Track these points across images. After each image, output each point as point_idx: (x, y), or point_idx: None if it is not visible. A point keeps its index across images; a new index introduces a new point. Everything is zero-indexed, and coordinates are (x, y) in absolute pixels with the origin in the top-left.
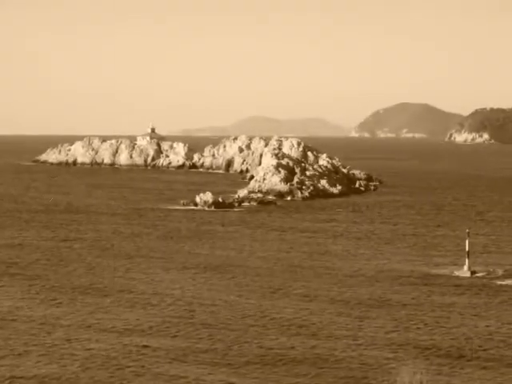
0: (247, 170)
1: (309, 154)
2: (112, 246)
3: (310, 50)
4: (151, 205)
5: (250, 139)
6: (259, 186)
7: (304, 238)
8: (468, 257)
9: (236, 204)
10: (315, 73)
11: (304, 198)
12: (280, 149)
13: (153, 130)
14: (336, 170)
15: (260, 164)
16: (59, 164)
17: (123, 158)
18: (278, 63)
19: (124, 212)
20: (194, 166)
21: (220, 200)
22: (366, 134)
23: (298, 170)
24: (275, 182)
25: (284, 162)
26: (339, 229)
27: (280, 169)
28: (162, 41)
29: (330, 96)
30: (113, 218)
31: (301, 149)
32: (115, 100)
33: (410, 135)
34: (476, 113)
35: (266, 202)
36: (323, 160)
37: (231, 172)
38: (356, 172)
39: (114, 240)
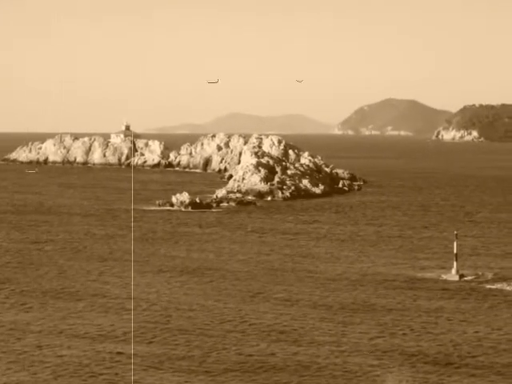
0: (226, 169)
1: (290, 152)
2: (85, 249)
3: (291, 45)
4: (125, 205)
5: (229, 137)
6: (238, 186)
7: (285, 240)
8: (456, 260)
9: (214, 204)
10: (297, 68)
11: (285, 199)
12: (260, 147)
13: (127, 128)
14: (318, 169)
15: (239, 163)
16: (30, 163)
17: (96, 157)
18: (258, 58)
19: (97, 213)
20: (170, 164)
21: (197, 200)
22: (350, 132)
23: (278, 169)
24: (255, 181)
25: (264, 160)
26: (322, 230)
27: (260, 168)
28: (137, 36)
29: (313, 92)
30: (85, 219)
31: (282, 147)
32: (88, 96)
33: (395, 133)
34: (464, 109)
35: (246, 203)
36: (305, 158)
37: (209, 171)
38: (339, 171)
39: (87, 242)
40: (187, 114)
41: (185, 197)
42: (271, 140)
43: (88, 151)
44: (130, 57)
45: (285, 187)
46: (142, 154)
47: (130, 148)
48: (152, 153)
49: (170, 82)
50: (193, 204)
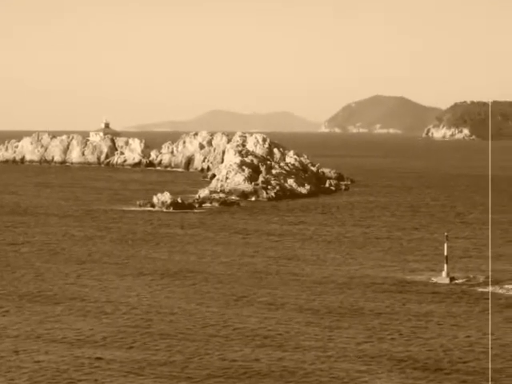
0: (208, 169)
1: (275, 150)
2: (62, 251)
3: (275, 40)
4: (105, 206)
5: (212, 135)
6: (221, 186)
7: (270, 242)
8: (447, 262)
9: (196, 205)
10: (282, 64)
11: (270, 199)
12: (244, 145)
13: (107, 126)
14: (304, 168)
15: (222, 162)
16: (5, 162)
17: (75, 156)
18: (241, 54)
19: (75, 213)
20: (151, 163)
21: (179, 200)
22: (337, 130)
23: (263, 169)
24: (238, 181)
25: (248, 159)
26: (308, 232)
27: (244, 167)
28: (116, 30)
29: (299, 89)
30: (63, 220)
31: (266, 145)
32: (67, 93)
33: (383, 131)
34: (455, 106)
35: (229, 203)
36: (290, 157)
37: (191, 170)
38: (326, 170)
39: (65, 244)
40: (168, 110)
41: (166, 197)
42: (255, 138)
43: (66, 150)
44: (108, 52)
45: (269, 187)
46: (122, 153)
47: (110, 146)
48: (132, 151)
49: (149, 77)
50: (174, 204)
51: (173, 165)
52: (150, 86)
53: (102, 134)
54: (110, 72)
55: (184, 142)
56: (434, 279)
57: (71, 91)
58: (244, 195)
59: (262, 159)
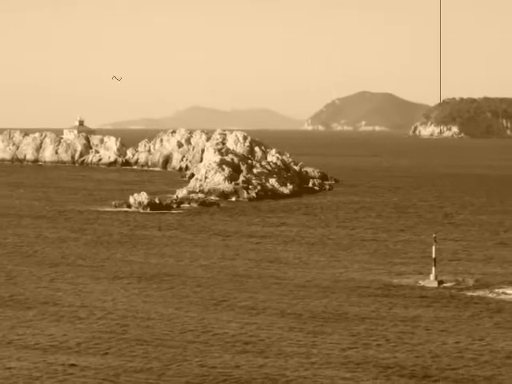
0: (187, 168)
1: (256, 149)
2: (35, 253)
3: (257, 35)
4: (79, 206)
5: (190, 133)
6: (200, 186)
7: (251, 244)
8: (435, 265)
9: (174, 205)
10: (264, 60)
11: (251, 199)
12: (224, 143)
13: (81, 123)
14: (287, 167)
15: (201, 161)
16: None
17: (48, 154)
18: (221, 49)
19: (49, 214)
20: (127, 162)
21: (156, 201)
22: (321, 127)
23: (243, 168)
24: (218, 180)
25: (228, 158)
26: (290, 233)
27: (224, 166)
28: (91, 27)
29: (281, 85)
30: (36, 221)
31: (247, 143)
32: (39, 90)
33: (369, 128)
34: (443, 103)
35: (208, 204)
36: (272, 156)
37: (169, 169)
38: (309, 169)
39: (38, 246)
40: (144, 107)
41: (143, 197)
42: (236, 136)
43: (39, 148)
44: (83, 48)
45: (250, 187)
46: (97, 152)
47: (84, 145)
48: (108, 150)
49: (124, 74)
50: (152, 205)
51: (150, 164)
52: (125, 82)
53: (76, 131)
54: (84, 69)
55: (161, 140)
56: (422, 283)
57: (44, 88)
58: (224, 195)
59: (243, 158)
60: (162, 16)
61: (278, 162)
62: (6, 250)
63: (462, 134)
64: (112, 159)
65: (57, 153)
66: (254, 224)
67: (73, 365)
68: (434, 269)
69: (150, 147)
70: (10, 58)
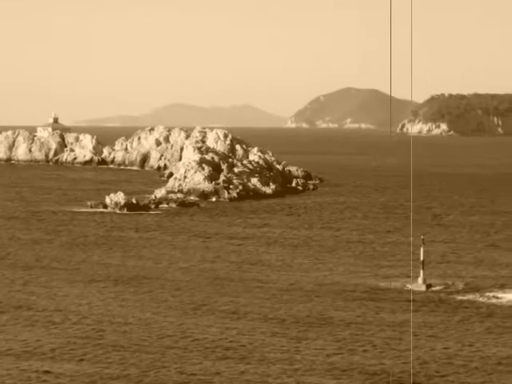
0: (165, 167)
1: (237, 147)
2: (8, 255)
3: (238, 30)
4: (54, 207)
5: (169, 130)
6: (179, 185)
7: (232, 246)
8: (423, 267)
9: (152, 206)
10: (246, 54)
11: (232, 199)
12: (204, 141)
13: (55, 120)
14: (269, 166)
15: (180, 159)
16: None
17: (21, 153)
18: (200, 44)
19: (22, 215)
20: (103, 161)
21: (134, 201)
22: (305, 125)
23: (224, 167)
24: (198, 180)
25: (208, 156)
26: (273, 235)
27: (204, 165)
28: (65, 22)
29: (263, 81)
30: (9, 222)
31: (228, 141)
32: (11, 86)
33: (355, 125)
34: (432, 100)
35: (188, 204)
36: (254, 155)
37: (147, 169)
38: (292, 169)
39: (11, 248)
40: (121, 104)
41: (120, 197)
42: (216, 134)
43: (11, 146)
44: (57, 44)
45: (231, 186)
46: (72, 150)
47: (59, 143)
48: (83, 148)
49: (100, 70)
50: (129, 205)
51: (127, 163)
52: (100, 78)
53: (50, 129)
54: (58, 64)
55: (139, 139)
56: (410, 286)
57: (17, 84)
58: (204, 195)
59: (224, 156)
60: (140, 13)
61: (260, 161)
62: None
63: (452, 132)
64: (88, 158)
65: (30, 151)
66: (235, 225)
67: (47, 371)
68: (422, 272)
69: (127, 145)
70: None
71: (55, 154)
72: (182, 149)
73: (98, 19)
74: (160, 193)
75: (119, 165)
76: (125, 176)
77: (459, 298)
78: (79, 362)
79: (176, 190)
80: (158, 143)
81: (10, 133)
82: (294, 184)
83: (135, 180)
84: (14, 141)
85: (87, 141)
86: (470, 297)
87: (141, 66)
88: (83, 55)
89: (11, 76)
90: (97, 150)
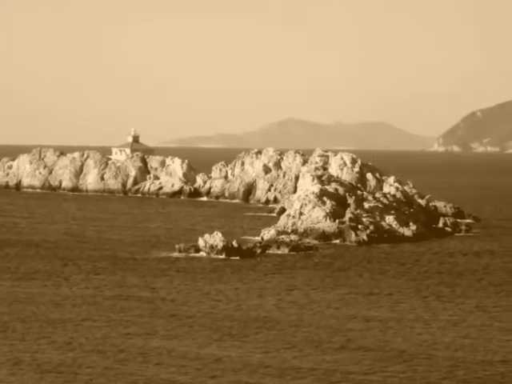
0: (276, 200)
1: (368, 176)
2: None
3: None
4: (135, 253)
5: (281, 154)
6: (293, 224)
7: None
8: None
9: (258, 250)
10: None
11: (360, 243)
12: (325, 168)
13: (136, 140)
14: (409, 200)
15: (295, 191)
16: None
17: (91, 180)
18: (320, 48)
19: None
20: (196, 192)
21: (234, 244)
22: (456, 148)
23: (351, 201)
24: (317, 217)
25: (331, 188)
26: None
27: (325, 198)
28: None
29: (400, 92)
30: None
31: (357, 168)
32: (81, 99)
33: None
34: None
35: (304, 248)
36: (390, 186)
37: (252, 202)
38: (439, 204)
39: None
40: (222, 120)
41: (217, 239)
42: (341, 159)
43: (79, 172)
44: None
45: (360, 226)
46: (157, 178)
47: (140, 168)
48: (171, 175)
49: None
50: (228, 249)
51: (227, 194)
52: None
53: (128, 150)
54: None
55: (242, 164)
56: None
57: (89, 96)
58: (324, 237)
59: (351, 188)
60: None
61: (398, 194)
62: None
63: None
64: (176, 188)
65: (103, 179)
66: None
67: None
68: None
69: (227, 172)
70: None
71: (135, 182)
72: (297, 177)
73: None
74: (268, 234)
75: (217, 197)
76: (224, 211)
77: None
78: None
79: (289, 231)
80: (267, 170)
81: (77, 155)
82: (440, 224)
83: (237, 217)
84: (82, 165)
85: (176, 166)
86: None
87: (248, 75)
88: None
89: (83, 89)
90: (188, 177)
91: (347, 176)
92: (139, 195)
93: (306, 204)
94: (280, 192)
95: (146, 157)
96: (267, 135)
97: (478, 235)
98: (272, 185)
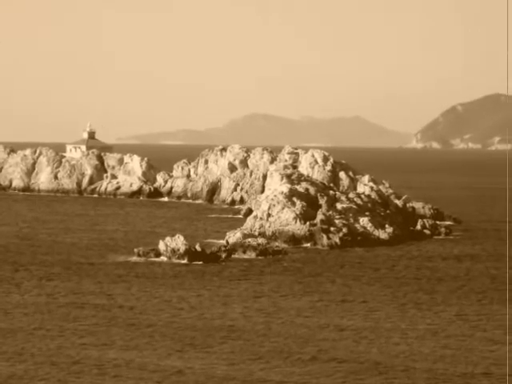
0: (242, 201)
1: (341, 174)
2: None
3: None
4: (85, 257)
5: (247, 151)
6: (261, 227)
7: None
8: None
9: (223, 255)
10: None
11: (332, 246)
12: (295, 166)
13: (91, 136)
14: (385, 201)
15: (263, 191)
16: None
17: (44, 179)
18: (287, 39)
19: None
20: (156, 192)
21: (197, 248)
22: (435, 144)
23: (323, 202)
24: (287, 219)
25: (301, 187)
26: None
27: (295, 199)
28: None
29: (376, 85)
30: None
31: (329, 166)
32: (33, 91)
33: (505, 146)
34: None
35: (272, 252)
36: (364, 185)
37: (216, 203)
38: (417, 205)
39: None
40: (184, 116)
41: (179, 242)
42: (312, 156)
43: (31, 171)
44: (103, 40)
45: (332, 229)
46: (114, 177)
47: (96, 166)
48: (129, 174)
49: (157, 72)
50: (190, 253)
51: (189, 195)
52: (160, 85)
53: (84, 147)
54: (94, 68)
55: (206, 162)
56: None
57: (47, 91)
58: (294, 241)
59: (322, 188)
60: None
61: (373, 194)
62: None
63: None
64: (135, 187)
65: (56, 178)
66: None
67: None
68: None
69: (189, 171)
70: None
71: (90, 181)
72: (264, 176)
73: (160, 19)
74: (234, 237)
75: (179, 197)
76: (186, 212)
77: None
78: None
79: (256, 234)
80: (233, 168)
81: (28, 152)
82: (418, 226)
83: (200, 218)
84: (34, 163)
85: (135, 164)
86: None
87: (212, 69)
88: (134, 54)
89: (43, 85)
90: (148, 176)
91: (318, 175)
92: (95, 195)
93: (274, 205)
94: (247, 192)
95: (102, 154)
96: (232, 131)
97: (459, 238)
98: (238, 184)
